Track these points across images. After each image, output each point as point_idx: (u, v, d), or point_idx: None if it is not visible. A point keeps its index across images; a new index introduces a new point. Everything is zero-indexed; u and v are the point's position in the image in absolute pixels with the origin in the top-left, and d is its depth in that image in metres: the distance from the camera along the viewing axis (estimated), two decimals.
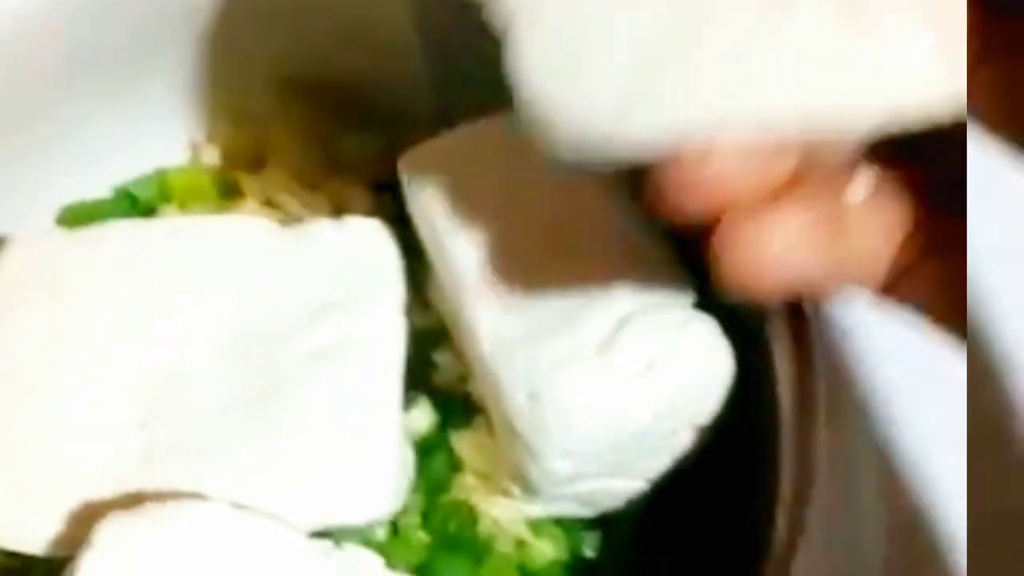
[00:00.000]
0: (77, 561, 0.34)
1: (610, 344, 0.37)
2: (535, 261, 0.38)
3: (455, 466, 0.41)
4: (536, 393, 0.37)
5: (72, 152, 0.44)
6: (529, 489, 0.39)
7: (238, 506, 0.35)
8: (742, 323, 0.37)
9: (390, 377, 0.37)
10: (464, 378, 0.41)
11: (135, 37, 0.42)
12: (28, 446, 0.38)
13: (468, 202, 0.38)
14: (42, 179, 0.44)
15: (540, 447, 0.37)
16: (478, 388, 0.40)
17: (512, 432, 0.38)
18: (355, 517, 0.37)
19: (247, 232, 0.40)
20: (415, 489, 0.40)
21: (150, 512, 0.35)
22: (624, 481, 0.39)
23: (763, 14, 0.27)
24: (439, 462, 0.41)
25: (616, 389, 0.37)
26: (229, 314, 0.39)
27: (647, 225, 0.39)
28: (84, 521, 0.38)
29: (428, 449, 0.41)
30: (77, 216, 0.46)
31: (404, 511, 0.40)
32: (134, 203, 0.46)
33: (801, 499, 0.36)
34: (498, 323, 0.38)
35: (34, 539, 0.38)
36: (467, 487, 0.41)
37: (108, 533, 0.36)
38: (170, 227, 0.41)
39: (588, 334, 0.37)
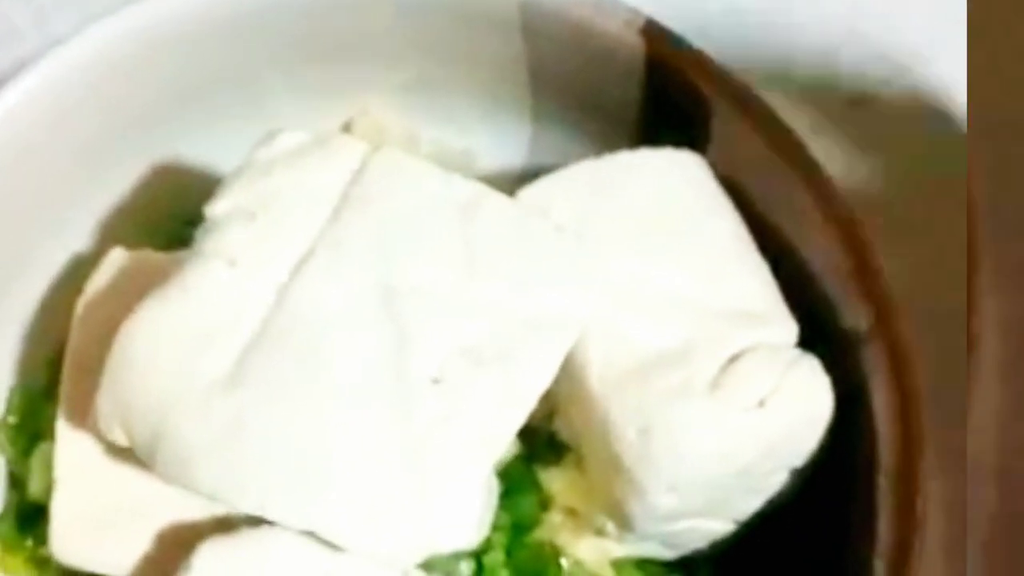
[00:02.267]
0: None
1: (722, 380, 0.37)
2: (646, 298, 0.38)
3: (543, 503, 0.41)
4: (647, 427, 0.36)
5: None
6: (626, 526, 0.39)
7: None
8: (838, 359, 0.38)
9: (523, 404, 0.36)
10: (549, 416, 0.41)
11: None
12: (113, 470, 0.37)
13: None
14: None
15: (647, 482, 0.37)
16: (568, 425, 0.40)
17: (617, 467, 0.37)
18: (440, 546, 0.36)
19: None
20: (500, 525, 0.39)
21: (246, 537, 0.35)
22: (714, 522, 0.39)
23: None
24: (528, 500, 0.40)
25: (727, 425, 0.36)
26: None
27: (755, 264, 0.39)
28: (170, 545, 0.37)
29: (515, 485, 0.40)
30: None
31: (490, 548, 0.39)
32: None
33: (904, 547, 0.36)
34: (608, 359, 0.38)
35: (118, 562, 0.37)
36: (554, 525, 0.40)
37: (206, 557, 0.35)
38: None
39: (699, 370, 0.37)
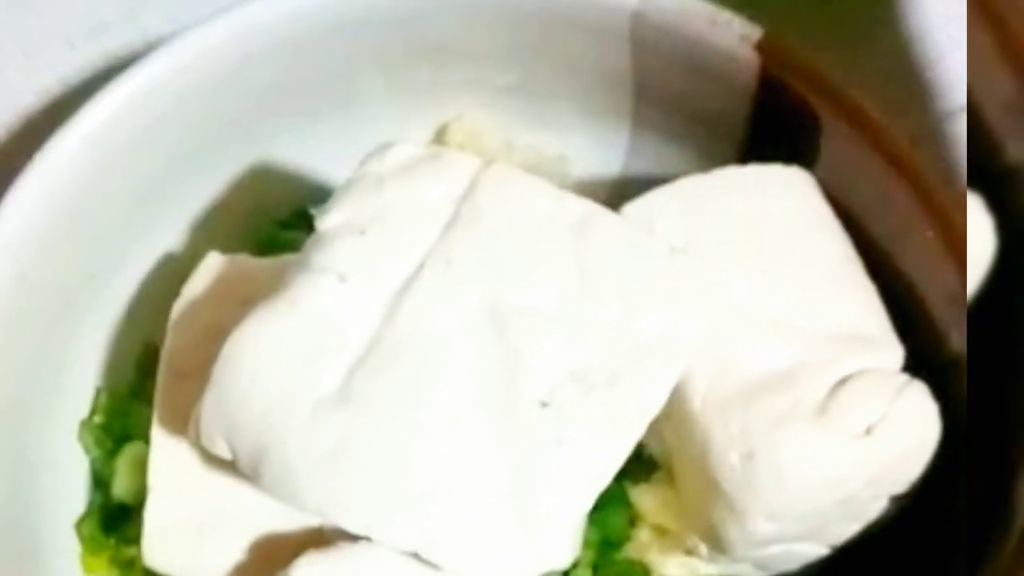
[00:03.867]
0: None
1: (828, 405, 0.36)
2: (753, 320, 0.38)
3: (632, 520, 0.40)
4: (751, 452, 0.36)
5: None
6: (720, 548, 0.38)
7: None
8: (943, 386, 0.37)
9: (632, 431, 0.35)
10: None
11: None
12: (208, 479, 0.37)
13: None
14: None
15: (747, 507, 0.36)
16: (661, 442, 0.39)
17: (716, 491, 0.36)
18: (540, 570, 0.35)
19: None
20: (589, 542, 0.39)
21: (345, 552, 0.35)
22: (810, 546, 0.38)
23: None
24: (617, 517, 0.39)
25: (835, 453, 0.36)
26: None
27: (863, 285, 0.39)
28: (263, 557, 0.37)
29: (605, 501, 0.39)
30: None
31: (577, 564, 0.38)
32: None
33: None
34: (713, 381, 0.37)
35: (210, 571, 0.36)
36: (642, 543, 0.40)
37: (304, 569, 0.34)
38: None
39: (806, 395, 0.36)
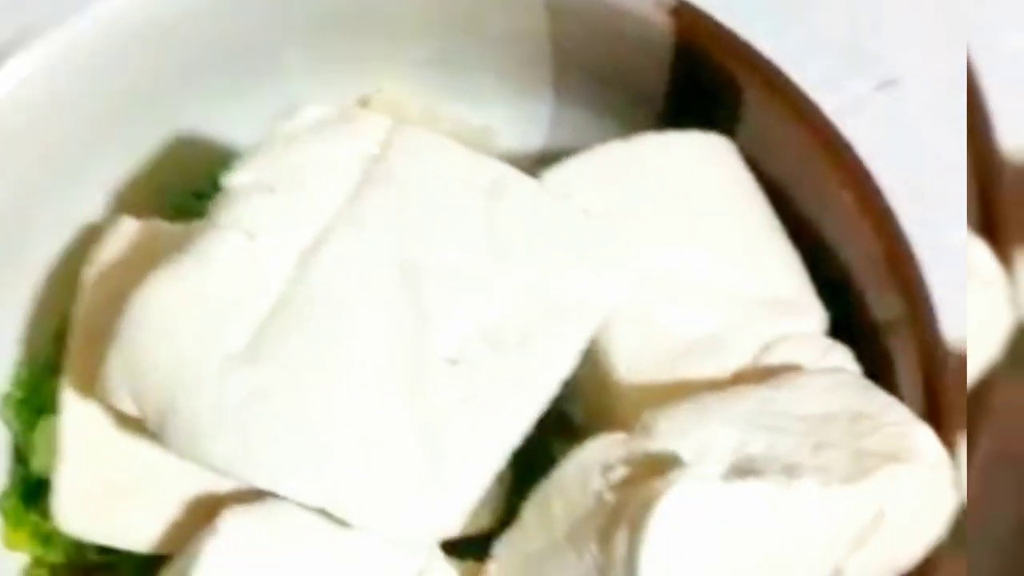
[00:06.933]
0: (199, 547, 0.33)
1: None
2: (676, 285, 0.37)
3: None
4: None
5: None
6: None
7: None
8: (865, 350, 0.37)
9: (543, 390, 0.34)
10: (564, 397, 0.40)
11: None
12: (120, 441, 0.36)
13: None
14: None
15: None
16: (586, 410, 0.39)
17: None
18: (453, 528, 0.35)
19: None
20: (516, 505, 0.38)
21: (273, 507, 0.34)
22: None
23: None
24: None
25: None
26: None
27: (784, 250, 0.39)
28: (180, 516, 0.36)
29: (529, 460, 0.39)
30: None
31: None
32: None
33: None
34: (638, 347, 0.37)
35: (126, 534, 0.36)
36: None
37: (232, 523, 0.34)
38: None
39: (731, 359, 0.36)
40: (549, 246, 0.36)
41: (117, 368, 0.34)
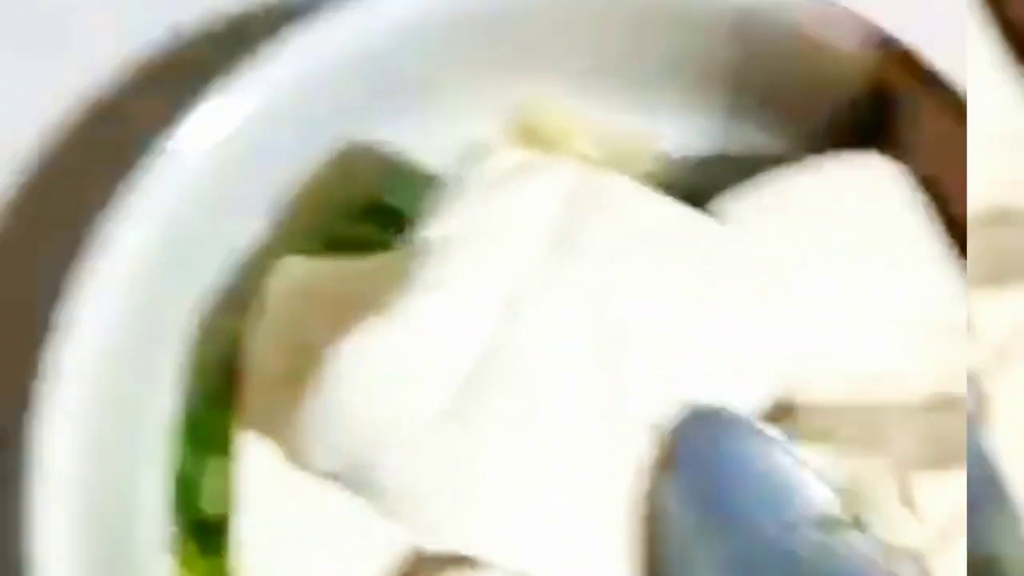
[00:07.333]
0: None
1: None
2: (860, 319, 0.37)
3: None
4: None
5: None
6: None
7: None
8: None
9: None
10: None
11: None
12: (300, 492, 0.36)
13: None
14: None
15: None
16: None
17: None
18: None
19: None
20: None
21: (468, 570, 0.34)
22: None
23: None
24: None
25: None
26: None
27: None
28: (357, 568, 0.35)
29: None
30: None
31: None
32: None
33: None
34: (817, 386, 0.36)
35: None
36: None
37: None
38: None
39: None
40: (736, 296, 0.36)
41: (313, 423, 0.34)
